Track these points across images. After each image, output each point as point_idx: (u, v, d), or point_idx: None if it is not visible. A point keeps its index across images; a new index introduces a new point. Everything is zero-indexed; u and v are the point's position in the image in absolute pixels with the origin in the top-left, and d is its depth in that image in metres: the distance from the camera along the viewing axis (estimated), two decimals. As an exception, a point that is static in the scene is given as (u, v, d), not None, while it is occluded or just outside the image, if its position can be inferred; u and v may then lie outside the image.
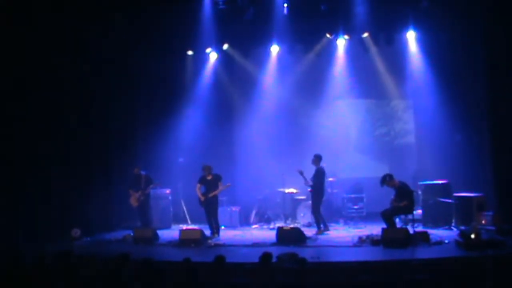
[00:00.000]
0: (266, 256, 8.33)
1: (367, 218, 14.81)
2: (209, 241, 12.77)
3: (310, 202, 13.82)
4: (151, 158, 15.73)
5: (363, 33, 15.20)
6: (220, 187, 13.59)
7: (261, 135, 16.60)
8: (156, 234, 13.42)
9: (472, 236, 10.58)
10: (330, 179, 14.52)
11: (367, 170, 15.66)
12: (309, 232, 13.04)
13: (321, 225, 13.42)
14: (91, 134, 14.70)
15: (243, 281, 8.53)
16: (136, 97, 16.05)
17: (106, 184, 15.03)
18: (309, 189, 13.62)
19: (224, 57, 16.49)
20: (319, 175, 13.42)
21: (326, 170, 13.66)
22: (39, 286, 7.97)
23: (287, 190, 15.10)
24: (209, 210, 13.58)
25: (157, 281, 7.95)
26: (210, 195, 13.49)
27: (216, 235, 13.41)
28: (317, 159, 13.49)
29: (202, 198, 13.54)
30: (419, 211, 13.59)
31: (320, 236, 12.99)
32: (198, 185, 13.66)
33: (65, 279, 7.97)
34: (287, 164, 15.14)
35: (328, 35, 15.43)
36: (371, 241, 11.76)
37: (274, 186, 15.86)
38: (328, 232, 13.38)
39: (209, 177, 13.61)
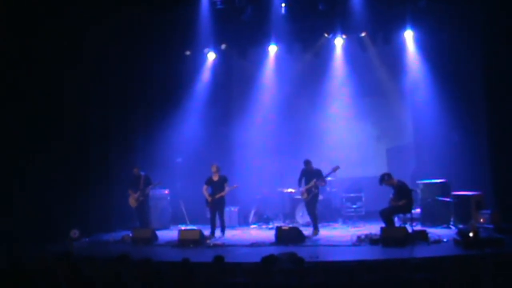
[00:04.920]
0: (269, 258, 8.30)
1: (366, 217, 14.82)
2: (208, 241, 12.78)
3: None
4: (149, 158, 15.71)
5: (361, 32, 15.20)
6: (227, 189, 13.64)
7: (260, 135, 16.63)
8: (155, 235, 13.42)
9: (471, 234, 10.59)
10: (329, 178, 14.52)
11: (366, 169, 15.67)
12: (308, 231, 13.06)
13: (318, 226, 13.42)
14: (90, 135, 14.72)
15: (242, 281, 8.53)
16: (135, 98, 16.02)
17: (105, 185, 15.02)
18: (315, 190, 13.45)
19: (222, 57, 16.51)
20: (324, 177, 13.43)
21: (325, 169, 13.64)
22: (38, 287, 7.96)
23: (285, 190, 15.11)
24: (215, 211, 13.65)
25: (156, 281, 7.95)
26: (217, 196, 13.56)
27: (218, 235, 13.52)
28: (310, 163, 13.52)
29: (210, 199, 13.61)
30: (418, 210, 13.62)
31: (316, 236, 13.01)
32: (205, 186, 13.71)
33: (64, 280, 7.96)
34: (285, 163, 15.17)
35: (326, 35, 15.44)
36: (370, 240, 11.77)
37: (273, 186, 15.88)
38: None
39: (216, 178, 13.70)
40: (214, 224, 13.65)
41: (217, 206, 13.64)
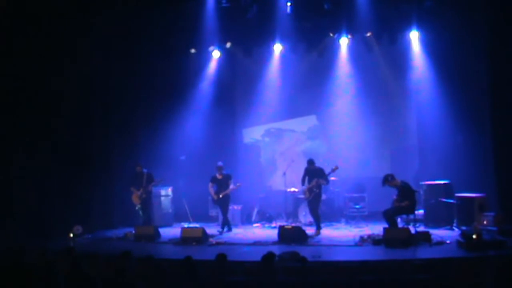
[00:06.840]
0: (269, 256, 8.30)
1: (369, 217, 14.80)
2: (210, 239, 12.79)
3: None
4: (153, 155, 15.70)
5: (366, 32, 15.16)
6: (231, 187, 13.93)
7: (263, 133, 16.64)
8: (158, 232, 13.43)
9: (474, 236, 10.56)
10: (332, 178, 14.50)
11: (369, 169, 15.66)
12: (311, 231, 13.05)
13: (321, 225, 13.43)
14: (93, 132, 14.72)
15: (244, 279, 8.53)
16: (139, 95, 16.02)
17: (108, 182, 15.03)
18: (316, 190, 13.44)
19: (227, 55, 16.49)
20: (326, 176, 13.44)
21: (326, 170, 13.62)
22: (41, 283, 7.97)
23: (288, 189, 15.09)
24: (222, 207, 14.04)
25: (158, 278, 7.95)
26: (222, 194, 13.86)
27: (224, 231, 13.85)
28: (314, 162, 13.55)
29: (215, 197, 13.97)
30: (421, 211, 13.59)
31: (319, 236, 13.00)
32: (210, 184, 14.02)
33: (67, 276, 7.97)
34: (289, 162, 15.14)
35: (331, 34, 15.40)
36: (373, 240, 11.76)
37: (276, 184, 15.87)
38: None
39: (220, 177, 13.96)
40: (227, 220, 14.04)
41: (222, 203, 13.98)
